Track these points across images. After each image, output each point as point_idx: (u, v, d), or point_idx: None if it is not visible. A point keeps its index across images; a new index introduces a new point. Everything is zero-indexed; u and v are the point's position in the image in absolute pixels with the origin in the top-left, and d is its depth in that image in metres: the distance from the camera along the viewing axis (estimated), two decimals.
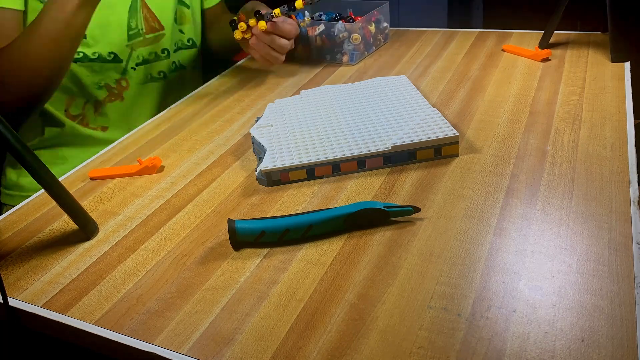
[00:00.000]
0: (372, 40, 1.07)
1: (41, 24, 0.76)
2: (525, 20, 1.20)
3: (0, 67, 0.78)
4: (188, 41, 1.06)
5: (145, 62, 0.99)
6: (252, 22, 0.88)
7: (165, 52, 1.01)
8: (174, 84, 1.06)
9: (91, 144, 0.98)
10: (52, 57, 0.78)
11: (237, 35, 0.88)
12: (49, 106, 0.95)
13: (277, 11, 0.87)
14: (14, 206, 0.69)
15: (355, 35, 1.02)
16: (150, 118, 0.92)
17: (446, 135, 0.68)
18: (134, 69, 0.98)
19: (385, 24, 1.11)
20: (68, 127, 0.97)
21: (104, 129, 0.99)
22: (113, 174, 0.73)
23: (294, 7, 0.88)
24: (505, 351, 0.42)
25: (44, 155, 0.98)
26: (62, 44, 0.78)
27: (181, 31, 1.05)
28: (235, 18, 0.89)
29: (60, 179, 0.63)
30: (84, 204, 0.67)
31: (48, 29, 0.76)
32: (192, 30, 1.06)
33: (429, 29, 1.17)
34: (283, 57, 0.92)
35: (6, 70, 0.78)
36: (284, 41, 0.90)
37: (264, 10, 0.90)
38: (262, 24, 0.87)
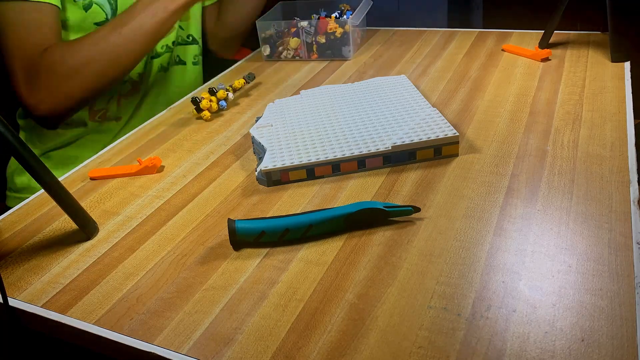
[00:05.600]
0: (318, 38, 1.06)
1: (136, 18, 0.80)
2: (525, 20, 1.20)
3: (79, 56, 0.80)
4: (188, 37, 1.08)
5: (157, 55, 1.01)
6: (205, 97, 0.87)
7: (165, 47, 1.02)
8: (174, 78, 1.07)
9: (103, 139, 1.00)
10: (135, 52, 0.82)
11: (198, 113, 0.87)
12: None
13: (221, 93, 0.88)
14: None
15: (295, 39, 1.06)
16: (157, 108, 0.94)
17: (446, 135, 0.68)
18: (150, 62, 1.00)
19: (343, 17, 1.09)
20: (90, 126, 0.98)
21: (118, 119, 1.01)
22: (113, 174, 0.73)
23: (233, 87, 0.91)
24: (505, 351, 0.42)
25: (54, 157, 0.99)
26: (149, 41, 0.83)
27: (181, 27, 1.06)
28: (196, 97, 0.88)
29: (60, 179, 0.63)
30: (84, 204, 0.67)
31: (143, 23, 0.80)
32: (192, 26, 1.08)
33: (429, 29, 1.17)
34: None
35: (85, 58, 0.80)
36: None
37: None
38: (222, 92, 0.88)
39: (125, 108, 1.00)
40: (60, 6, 0.84)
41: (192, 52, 1.09)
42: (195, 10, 1.08)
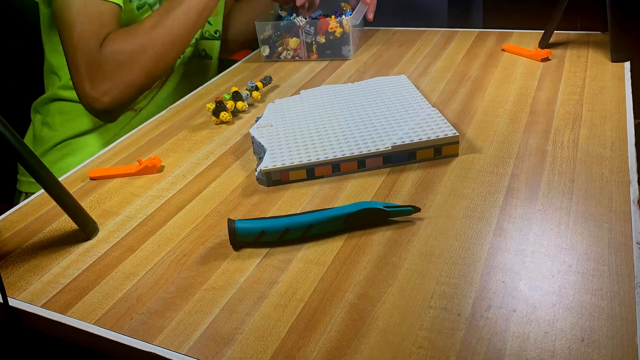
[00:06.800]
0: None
1: (180, 9, 0.84)
2: (525, 20, 1.20)
3: (135, 43, 0.83)
4: (215, 32, 1.10)
5: None
6: (230, 104, 0.87)
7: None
8: (198, 71, 1.09)
9: (114, 128, 1.00)
10: (187, 32, 0.86)
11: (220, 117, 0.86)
12: None
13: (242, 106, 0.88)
14: (34, 193, 0.70)
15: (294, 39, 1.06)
16: (173, 100, 0.95)
17: (446, 135, 0.68)
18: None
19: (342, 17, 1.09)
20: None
21: (133, 110, 1.01)
22: (113, 174, 0.73)
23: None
24: (505, 351, 0.42)
25: (71, 144, 0.98)
26: (200, 19, 0.87)
27: (209, 22, 1.08)
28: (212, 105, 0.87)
29: (60, 179, 0.63)
30: (84, 204, 0.67)
31: (192, 2, 0.85)
32: (217, 21, 1.10)
33: (429, 29, 1.17)
34: None
35: (141, 45, 0.83)
36: None
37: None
38: (242, 104, 0.87)
39: (140, 98, 1.00)
40: (122, 5, 0.87)
41: (218, 47, 1.11)
42: (220, 6, 1.10)
